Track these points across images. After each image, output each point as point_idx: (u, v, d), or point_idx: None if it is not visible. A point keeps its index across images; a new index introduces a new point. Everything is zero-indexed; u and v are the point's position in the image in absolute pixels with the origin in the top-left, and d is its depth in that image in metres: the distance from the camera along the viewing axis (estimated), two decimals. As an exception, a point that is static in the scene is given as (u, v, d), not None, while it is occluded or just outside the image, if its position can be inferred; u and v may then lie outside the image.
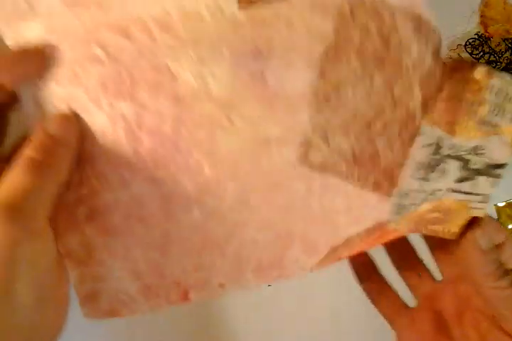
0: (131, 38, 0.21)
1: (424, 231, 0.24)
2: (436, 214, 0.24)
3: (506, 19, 0.42)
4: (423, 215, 0.24)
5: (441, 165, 0.23)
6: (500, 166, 0.23)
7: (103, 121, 0.22)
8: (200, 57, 0.21)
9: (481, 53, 0.43)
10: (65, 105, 0.22)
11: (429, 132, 0.22)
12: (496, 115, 0.22)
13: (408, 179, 0.23)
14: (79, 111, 0.22)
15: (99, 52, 0.21)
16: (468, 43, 0.43)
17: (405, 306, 0.29)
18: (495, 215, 0.46)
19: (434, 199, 0.23)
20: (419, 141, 0.23)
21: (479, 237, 0.23)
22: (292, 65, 0.22)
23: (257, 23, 0.21)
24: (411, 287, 0.29)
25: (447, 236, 0.24)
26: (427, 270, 0.29)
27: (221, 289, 0.24)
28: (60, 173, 0.21)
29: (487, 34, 0.43)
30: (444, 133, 0.22)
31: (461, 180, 0.23)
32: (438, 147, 0.23)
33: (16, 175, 0.20)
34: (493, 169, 0.23)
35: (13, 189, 0.20)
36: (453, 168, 0.23)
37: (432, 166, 0.23)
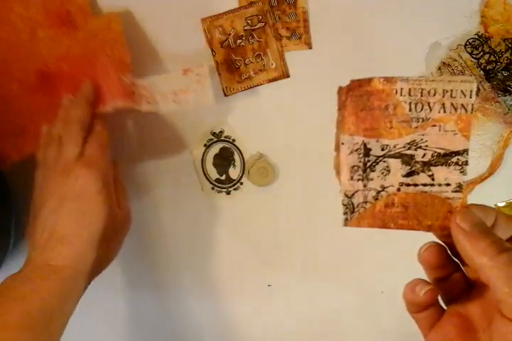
0: None
1: (393, 227, 0.25)
2: (399, 209, 0.25)
3: (506, 19, 0.42)
4: (384, 211, 0.25)
5: (381, 164, 0.25)
6: (457, 153, 0.24)
7: None
8: None
9: (481, 53, 0.43)
10: None
11: (349, 141, 0.25)
12: (421, 110, 0.24)
13: (348, 182, 0.25)
14: None
15: None
16: (468, 43, 0.43)
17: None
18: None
19: (386, 195, 0.25)
20: (343, 149, 0.25)
21: (460, 221, 0.24)
22: None
23: None
24: (443, 289, 0.27)
25: (421, 229, 0.25)
26: (458, 272, 0.27)
27: None
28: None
29: (487, 34, 0.43)
30: (366, 138, 0.25)
31: (410, 174, 0.25)
32: (367, 150, 0.25)
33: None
34: (449, 157, 0.24)
35: None
36: (394, 165, 0.25)
37: (369, 167, 0.25)
